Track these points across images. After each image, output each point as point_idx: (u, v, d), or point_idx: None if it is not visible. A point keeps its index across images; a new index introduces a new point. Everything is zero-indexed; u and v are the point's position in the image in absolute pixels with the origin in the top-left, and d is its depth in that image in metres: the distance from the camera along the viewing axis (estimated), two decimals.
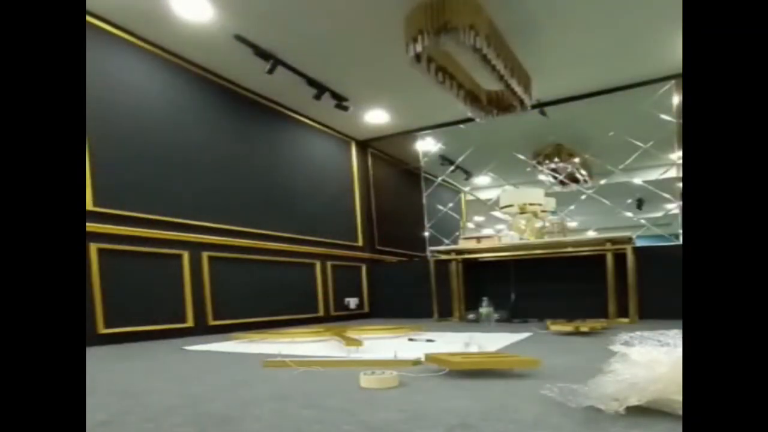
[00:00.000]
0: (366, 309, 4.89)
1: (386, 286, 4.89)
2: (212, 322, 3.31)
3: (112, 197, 2.75)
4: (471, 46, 2.44)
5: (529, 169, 5.16)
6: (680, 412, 0.86)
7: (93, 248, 2.63)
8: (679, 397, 0.86)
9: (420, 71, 2.82)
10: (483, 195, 5.83)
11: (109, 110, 2.79)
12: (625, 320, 3.49)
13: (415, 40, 2.48)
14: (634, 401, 0.90)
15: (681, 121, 3.86)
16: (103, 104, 2.75)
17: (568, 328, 2.73)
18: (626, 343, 1.01)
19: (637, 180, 4.58)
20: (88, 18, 2.71)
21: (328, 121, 4.53)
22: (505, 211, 4.51)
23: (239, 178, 3.62)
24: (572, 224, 5.36)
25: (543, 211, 4.33)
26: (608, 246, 3.58)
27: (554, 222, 4.36)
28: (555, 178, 5.08)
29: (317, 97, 3.79)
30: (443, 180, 5.30)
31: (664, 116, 3.95)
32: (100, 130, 2.71)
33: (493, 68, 2.70)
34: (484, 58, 2.57)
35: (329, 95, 3.84)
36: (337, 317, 4.44)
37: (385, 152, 5.51)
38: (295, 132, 4.25)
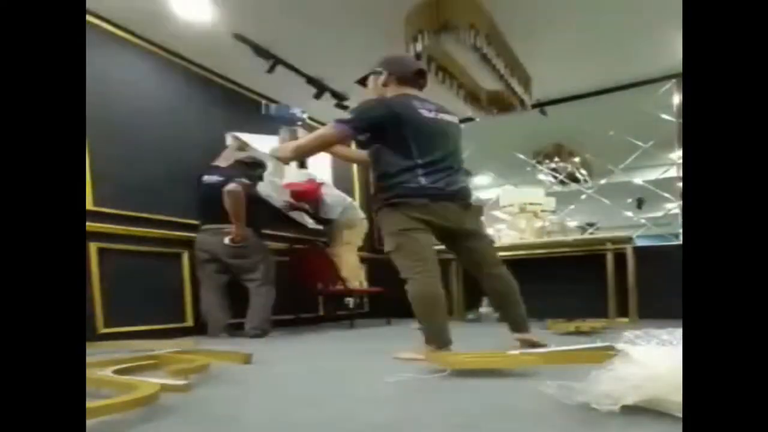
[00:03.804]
0: (366, 308, 4.89)
1: (386, 286, 4.87)
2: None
3: (112, 197, 2.74)
4: (471, 46, 2.44)
5: (529, 168, 5.15)
6: (676, 412, 0.86)
7: (93, 248, 2.63)
8: (675, 397, 0.86)
9: None
10: (483, 195, 5.82)
11: (109, 110, 2.79)
12: (625, 320, 3.49)
13: (415, 40, 2.48)
14: (629, 400, 0.90)
15: (681, 120, 3.86)
16: (103, 104, 2.74)
17: (569, 327, 2.73)
18: (630, 342, 1.01)
19: (637, 180, 4.58)
20: (88, 18, 2.70)
21: (328, 121, 4.51)
22: (505, 211, 4.50)
23: None
24: (572, 224, 5.35)
25: (543, 211, 4.33)
26: (608, 246, 3.58)
27: (554, 222, 4.35)
28: (555, 177, 5.08)
29: (317, 96, 3.78)
30: None
31: (664, 116, 3.95)
32: (100, 130, 2.70)
33: (494, 67, 2.70)
34: (484, 58, 2.57)
35: (329, 94, 3.84)
36: (338, 317, 4.44)
37: None
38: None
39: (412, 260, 1.81)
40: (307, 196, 3.74)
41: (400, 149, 1.78)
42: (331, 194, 3.84)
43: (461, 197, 1.87)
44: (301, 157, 1.95)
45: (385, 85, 1.95)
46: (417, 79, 1.94)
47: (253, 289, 3.00)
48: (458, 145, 1.94)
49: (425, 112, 1.83)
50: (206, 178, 2.97)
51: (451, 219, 1.84)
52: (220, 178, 2.88)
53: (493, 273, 1.97)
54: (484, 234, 2.02)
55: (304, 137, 1.94)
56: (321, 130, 1.87)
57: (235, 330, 3.04)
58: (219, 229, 2.88)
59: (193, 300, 3.19)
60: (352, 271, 3.83)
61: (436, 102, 1.95)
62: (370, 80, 2.02)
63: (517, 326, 1.96)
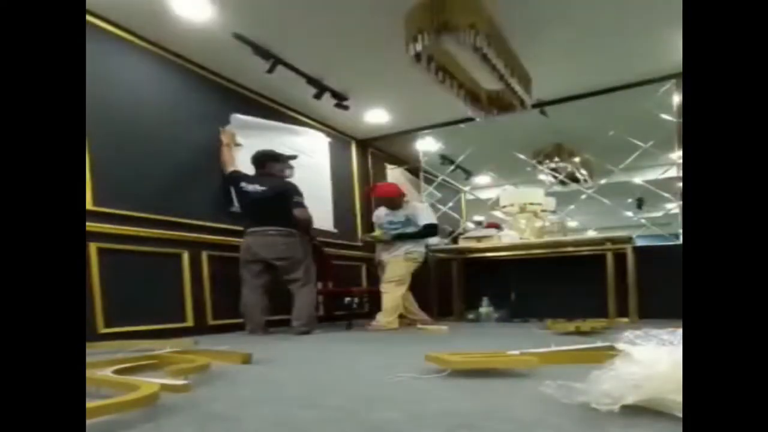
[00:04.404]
0: (366, 308, 4.89)
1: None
2: (212, 322, 3.31)
3: (112, 197, 2.74)
4: (471, 46, 2.44)
5: (529, 168, 5.16)
6: (677, 411, 0.86)
7: (93, 248, 2.63)
8: (676, 396, 0.86)
9: (420, 70, 2.81)
10: (483, 195, 5.83)
11: (109, 110, 2.78)
12: (625, 320, 3.49)
13: (415, 40, 2.47)
14: (629, 400, 0.90)
15: (681, 120, 3.86)
16: (103, 104, 2.74)
17: (569, 327, 2.73)
18: (630, 342, 1.01)
19: (637, 180, 4.58)
20: (88, 17, 2.70)
21: (328, 121, 4.53)
22: (505, 211, 4.50)
23: None
24: (572, 224, 5.35)
25: (543, 211, 4.33)
26: (608, 246, 3.58)
27: (554, 222, 4.36)
28: (555, 177, 5.08)
29: (317, 96, 3.78)
30: (443, 179, 5.30)
31: (664, 116, 3.95)
32: (100, 130, 2.70)
33: (494, 68, 2.69)
34: (485, 58, 2.56)
35: (329, 94, 3.84)
36: (337, 317, 4.44)
37: (385, 151, 5.50)
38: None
39: None
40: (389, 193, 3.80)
41: None
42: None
43: None
44: None
45: None
46: None
47: (296, 289, 3.17)
48: None
49: None
50: (252, 187, 3.13)
51: None
52: (263, 188, 3.13)
53: None
54: None
55: None
56: None
57: (272, 327, 3.23)
58: (265, 231, 3.09)
59: (193, 300, 3.19)
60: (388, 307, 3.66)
61: None
62: None
63: None
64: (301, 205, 3.19)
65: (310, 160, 4.13)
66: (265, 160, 3.23)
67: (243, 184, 3.14)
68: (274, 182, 3.18)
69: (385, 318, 3.52)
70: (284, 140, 3.87)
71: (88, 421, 0.89)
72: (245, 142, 3.48)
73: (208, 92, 3.45)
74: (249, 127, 3.56)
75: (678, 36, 3.17)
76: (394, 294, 3.58)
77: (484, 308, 3.88)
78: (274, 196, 3.12)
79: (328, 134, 4.57)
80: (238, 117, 3.49)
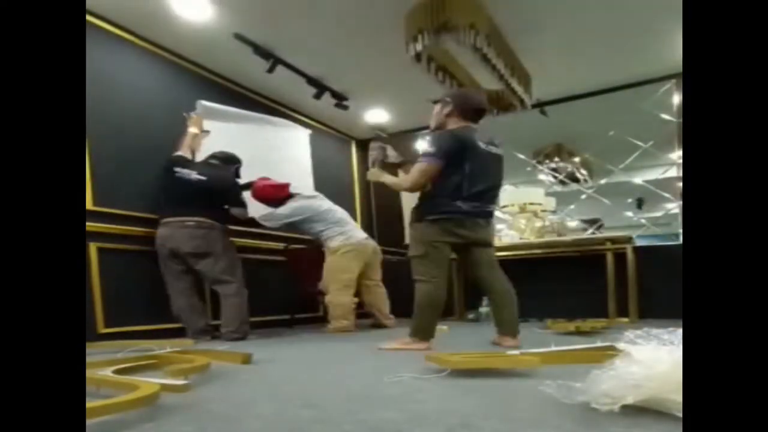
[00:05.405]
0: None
1: (386, 286, 4.87)
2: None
3: (112, 197, 2.74)
4: (471, 45, 2.44)
5: (529, 168, 5.16)
6: (677, 411, 0.86)
7: (93, 248, 2.63)
8: (676, 396, 0.86)
9: (420, 70, 2.82)
10: None
11: (109, 110, 2.78)
12: (625, 320, 3.49)
13: (415, 39, 2.48)
14: (629, 400, 0.90)
15: (681, 120, 3.86)
16: (103, 104, 2.74)
17: (569, 327, 2.73)
18: (630, 342, 1.01)
19: (637, 179, 4.58)
20: (88, 17, 2.70)
21: (328, 120, 4.53)
22: (505, 211, 4.50)
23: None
24: (572, 224, 5.35)
25: (543, 211, 4.33)
26: (608, 246, 3.58)
27: (554, 221, 4.36)
28: (555, 177, 5.08)
29: (317, 96, 3.79)
30: None
31: (664, 116, 3.94)
32: (100, 130, 2.70)
33: (494, 67, 2.70)
34: (485, 58, 2.57)
35: (329, 94, 3.84)
36: None
37: None
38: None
39: (434, 268, 2.14)
40: (266, 194, 3.33)
41: (455, 175, 2.08)
42: (290, 205, 3.35)
43: (488, 217, 2.24)
44: (416, 191, 2.25)
45: (448, 115, 2.19)
46: (476, 116, 2.21)
47: (224, 291, 2.85)
48: (500, 177, 2.25)
49: (482, 145, 2.12)
50: (187, 173, 2.79)
51: (477, 232, 2.18)
52: (202, 177, 2.79)
53: (496, 274, 2.31)
54: (492, 242, 2.36)
55: (410, 174, 2.18)
56: (421, 166, 2.11)
57: (215, 332, 2.91)
58: (183, 222, 2.72)
59: None
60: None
61: (486, 134, 2.20)
62: (438, 106, 2.25)
63: (507, 329, 2.26)
64: (244, 205, 2.99)
65: (288, 152, 3.85)
66: (226, 161, 3.00)
67: (177, 169, 2.78)
68: (219, 175, 2.89)
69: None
70: (255, 130, 3.58)
71: (88, 421, 0.89)
72: (215, 131, 3.23)
73: (208, 92, 3.44)
74: (217, 116, 3.27)
75: (678, 36, 3.17)
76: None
77: (484, 308, 3.87)
78: (212, 189, 2.82)
79: (328, 134, 4.56)
80: (204, 104, 3.19)
